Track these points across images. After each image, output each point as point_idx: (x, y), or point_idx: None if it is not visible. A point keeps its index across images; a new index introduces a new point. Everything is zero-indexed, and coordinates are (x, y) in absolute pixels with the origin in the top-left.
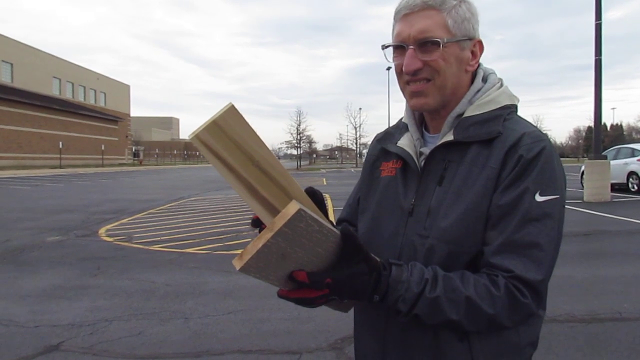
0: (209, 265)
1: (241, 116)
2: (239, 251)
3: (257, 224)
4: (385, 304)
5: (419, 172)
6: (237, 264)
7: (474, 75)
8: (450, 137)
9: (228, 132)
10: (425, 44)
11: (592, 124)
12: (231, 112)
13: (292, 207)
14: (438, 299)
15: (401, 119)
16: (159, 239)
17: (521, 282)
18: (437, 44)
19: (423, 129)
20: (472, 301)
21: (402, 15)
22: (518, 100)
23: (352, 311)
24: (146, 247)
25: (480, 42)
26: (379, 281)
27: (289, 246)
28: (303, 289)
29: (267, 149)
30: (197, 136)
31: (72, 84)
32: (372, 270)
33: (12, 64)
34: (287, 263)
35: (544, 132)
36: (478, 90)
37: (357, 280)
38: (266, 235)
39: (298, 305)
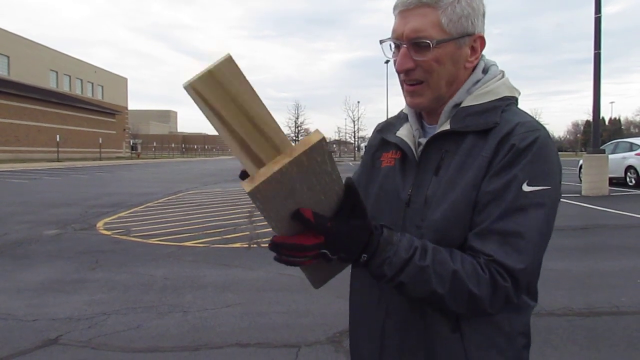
0: (207, 259)
1: (238, 68)
2: (237, 245)
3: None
4: (371, 265)
5: (416, 162)
6: (247, 187)
7: (474, 68)
8: (447, 126)
9: (224, 83)
10: (417, 44)
11: (590, 118)
12: (228, 63)
13: (316, 136)
14: (427, 269)
15: (402, 109)
16: (157, 232)
17: (501, 267)
18: (427, 45)
19: (423, 120)
20: (458, 276)
21: (398, 12)
22: (519, 93)
23: (346, 305)
24: (144, 241)
25: (481, 38)
26: (370, 240)
27: (299, 181)
28: (299, 236)
29: (263, 105)
30: (191, 84)
31: (69, 77)
32: (366, 227)
33: (8, 57)
34: (291, 201)
35: (543, 124)
36: (477, 81)
37: (353, 233)
38: (283, 160)
39: (286, 266)
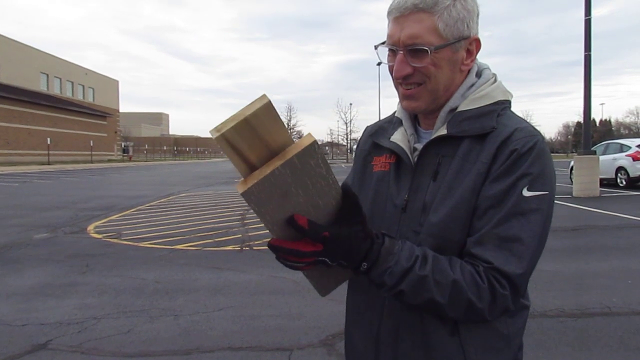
0: (199, 262)
1: (275, 112)
2: (229, 247)
3: None
4: (372, 274)
5: (412, 168)
6: (241, 188)
7: (469, 71)
8: (443, 131)
9: (257, 129)
10: (415, 50)
11: (581, 120)
12: (266, 109)
13: (307, 139)
14: (426, 278)
15: (394, 112)
16: (148, 235)
17: (500, 274)
18: (425, 51)
19: (417, 125)
20: (458, 285)
21: (394, 17)
22: (512, 96)
23: (343, 307)
24: (135, 244)
25: (477, 40)
26: (371, 249)
27: (294, 184)
28: (297, 242)
29: (289, 135)
30: (223, 135)
31: (60, 80)
32: (367, 236)
33: None
34: (287, 205)
35: (534, 125)
36: (472, 85)
37: (353, 242)
38: (276, 163)
39: (282, 268)
